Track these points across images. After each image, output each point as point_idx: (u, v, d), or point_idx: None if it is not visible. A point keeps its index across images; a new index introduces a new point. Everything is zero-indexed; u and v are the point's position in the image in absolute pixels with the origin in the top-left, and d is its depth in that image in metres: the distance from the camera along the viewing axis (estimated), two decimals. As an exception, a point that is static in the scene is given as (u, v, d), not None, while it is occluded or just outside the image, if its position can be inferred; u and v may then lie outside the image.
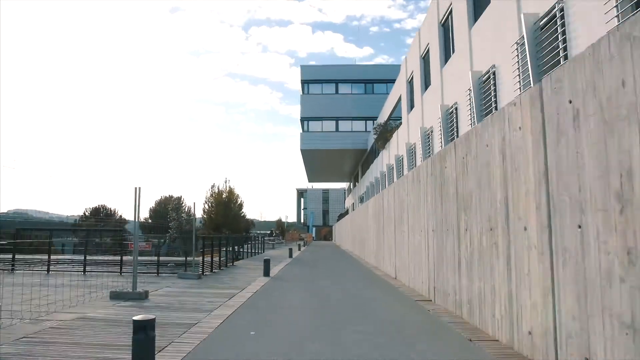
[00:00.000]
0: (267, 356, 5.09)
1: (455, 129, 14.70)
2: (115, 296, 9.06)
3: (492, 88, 11.45)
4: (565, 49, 8.22)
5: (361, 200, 41.73)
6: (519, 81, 9.54)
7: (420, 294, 10.03)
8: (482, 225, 6.45)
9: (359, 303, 9.12)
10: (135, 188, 9.40)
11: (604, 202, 3.69)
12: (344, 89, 47.93)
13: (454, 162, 7.79)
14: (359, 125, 45.31)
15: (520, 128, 5.30)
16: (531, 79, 8.86)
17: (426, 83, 19.09)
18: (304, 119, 47.37)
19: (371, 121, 42.76)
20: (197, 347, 5.39)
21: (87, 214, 43.17)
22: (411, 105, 22.17)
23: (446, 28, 16.19)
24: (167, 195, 43.43)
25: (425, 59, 19.33)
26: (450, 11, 15.33)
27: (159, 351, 5.03)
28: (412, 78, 21.98)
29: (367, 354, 5.23)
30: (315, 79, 48.30)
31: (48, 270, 15.89)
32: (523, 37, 9.18)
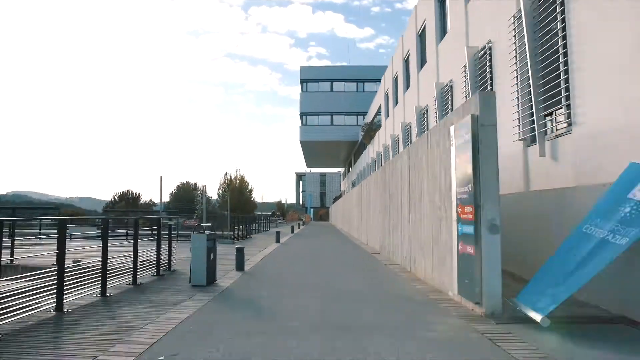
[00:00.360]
0: (289, 268, 11.34)
1: (409, 140, 20.81)
2: (193, 250, 15.25)
3: (425, 121, 17.54)
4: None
5: (353, 184, 47.86)
6: (435, 119, 15.62)
7: (376, 251, 16.28)
8: (395, 209, 12.65)
9: (338, 254, 15.41)
10: (202, 189, 15.46)
11: (419, 201, 9.86)
12: (338, 87, 53.95)
13: (389, 174, 13.94)
14: (351, 120, 51.41)
15: (407, 163, 11.42)
16: (437, 120, 14.95)
17: (396, 100, 25.10)
18: (302, 114, 53.50)
19: (362, 116, 48.68)
20: (255, 265, 11.64)
21: (116, 198, 49.64)
22: (387, 114, 28.24)
23: (408, 63, 22.12)
24: (185, 182, 49.77)
25: (395, 81, 25.30)
26: (409, 56, 21.31)
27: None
28: (387, 93, 27.99)
29: (335, 269, 11.50)
30: (313, 78, 54.27)
31: (126, 237, 21.95)
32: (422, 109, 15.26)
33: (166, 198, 52.33)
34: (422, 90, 18.42)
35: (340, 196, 61.07)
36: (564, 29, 7.62)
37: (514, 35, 9.31)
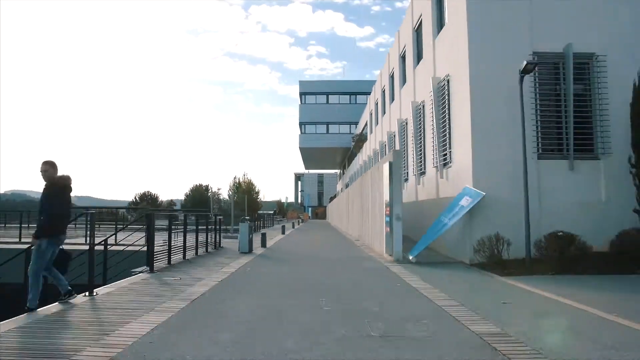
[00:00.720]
0: (295, 247, 17.44)
1: (385, 154, 26.91)
2: (225, 237, 21.30)
3: (394, 144, 23.64)
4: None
5: (346, 186, 53.91)
6: (399, 143, 21.69)
7: (355, 238, 22.38)
8: (367, 209, 18.72)
9: (328, 241, 21.55)
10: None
11: (374, 204, 15.95)
12: (333, 99, 60.20)
13: (363, 184, 20.01)
14: (345, 128, 57.58)
15: (370, 179, 17.47)
16: (399, 144, 21.02)
17: (377, 121, 31.19)
18: (301, 123, 59.75)
19: (354, 125, 54.73)
20: (272, 245, 17.77)
21: (137, 199, 55.83)
22: (371, 131, 34.34)
23: (384, 94, 28.18)
24: (198, 184, 56.02)
25: (377, 105, 31.38)
26: (384, 90, 27.40)
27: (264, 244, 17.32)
28: (372, 112, 34.08)
29: (324, 247, 17.63)
30: (311, 91, 60.55)
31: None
32: (393, 132, 21.37)
33: (181, 196, 58.52)
34: (392, 119, 24.54)
35: (335, 196, 67.14)
36: (449, 104, 13.69)
37: (431, 102, 15.37)
